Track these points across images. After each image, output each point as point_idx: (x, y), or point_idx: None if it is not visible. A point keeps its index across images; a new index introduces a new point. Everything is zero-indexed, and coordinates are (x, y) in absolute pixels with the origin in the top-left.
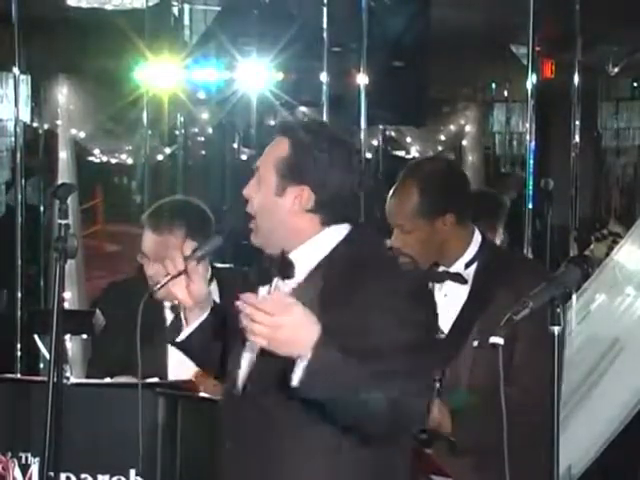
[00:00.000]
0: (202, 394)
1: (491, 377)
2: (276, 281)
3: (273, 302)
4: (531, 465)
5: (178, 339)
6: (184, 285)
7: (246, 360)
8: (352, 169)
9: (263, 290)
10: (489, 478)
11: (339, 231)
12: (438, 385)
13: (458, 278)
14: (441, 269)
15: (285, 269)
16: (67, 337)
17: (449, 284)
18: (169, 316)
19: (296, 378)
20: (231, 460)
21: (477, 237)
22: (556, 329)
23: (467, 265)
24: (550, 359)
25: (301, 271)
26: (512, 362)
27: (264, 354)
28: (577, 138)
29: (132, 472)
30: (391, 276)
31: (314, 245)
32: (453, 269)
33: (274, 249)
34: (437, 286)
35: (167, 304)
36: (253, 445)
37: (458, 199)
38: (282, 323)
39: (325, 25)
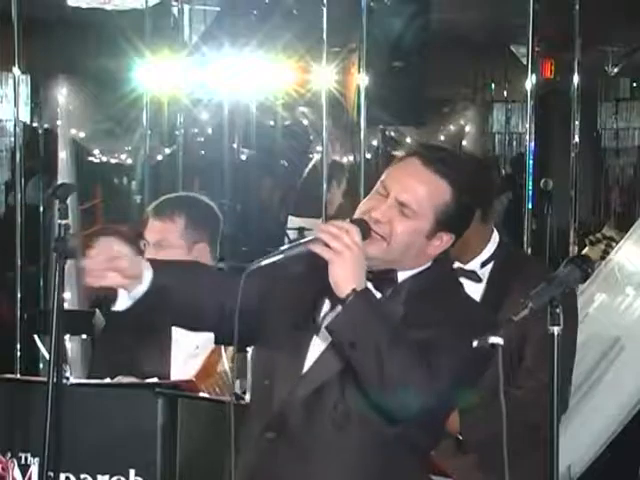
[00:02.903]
0: (202, 394)
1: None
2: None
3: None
4: (540, 465)
5: None
6: None
7: (316, 348)
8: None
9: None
10: (495, 477)
11: None
12: None
13: (473, 276)
14: (456, 265)
15: (387, 286)
16: (67, 337)
17: (462, 282)
18: None
19: (332, 316)
20: (273, 451)
21: (495, 237)
22: (556, 329)
23: (483, 264)
24: (563, 361)
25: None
26: (522, 363)
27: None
28: (577, 138)
29: (132, 472)
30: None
31: (414, 271)
32: (469, 267)
33: (384, 267)
34: None
35: None
36: (303, 437)
37: (486, 196)
38: (354, 244)
39: (325, 25)
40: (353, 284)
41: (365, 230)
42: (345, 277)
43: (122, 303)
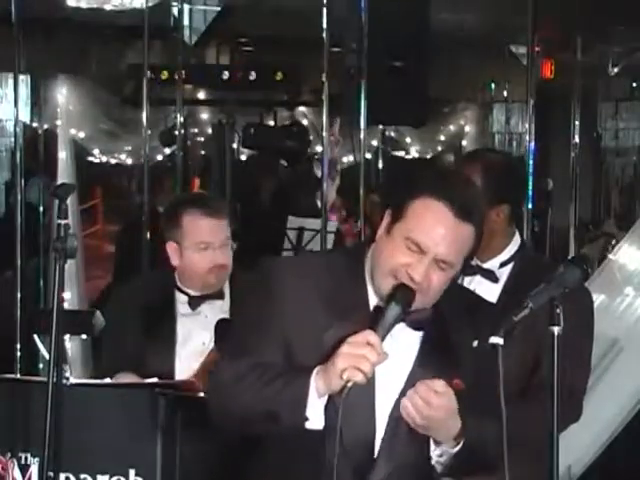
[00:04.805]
0: (202, 394)
1: (522, 370)
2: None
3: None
4: None
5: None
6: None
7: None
8: None
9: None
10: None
11: None
12: None
13: (490, 275)
14: (474, 262)
15: (424, 323)
16: (67, 337)
17: (478, 280)
18: (182, 309)
19: (440, 467)
20: None
21: (517, 238)
22: (556, 329)
23: (502, 264)
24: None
25: None
26: (537, 372)
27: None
28: (577, 138)
29: (132, 472)
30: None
31: None
32: (487, 265)
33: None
34: (466, 279)
35: (181, 299)
36: None
37: (516, 194)
38: (440, 404)
39: (325, 25)
40: (442, 435)
41: (411, 298)
42: (435, 432)
43: (317, 421)
